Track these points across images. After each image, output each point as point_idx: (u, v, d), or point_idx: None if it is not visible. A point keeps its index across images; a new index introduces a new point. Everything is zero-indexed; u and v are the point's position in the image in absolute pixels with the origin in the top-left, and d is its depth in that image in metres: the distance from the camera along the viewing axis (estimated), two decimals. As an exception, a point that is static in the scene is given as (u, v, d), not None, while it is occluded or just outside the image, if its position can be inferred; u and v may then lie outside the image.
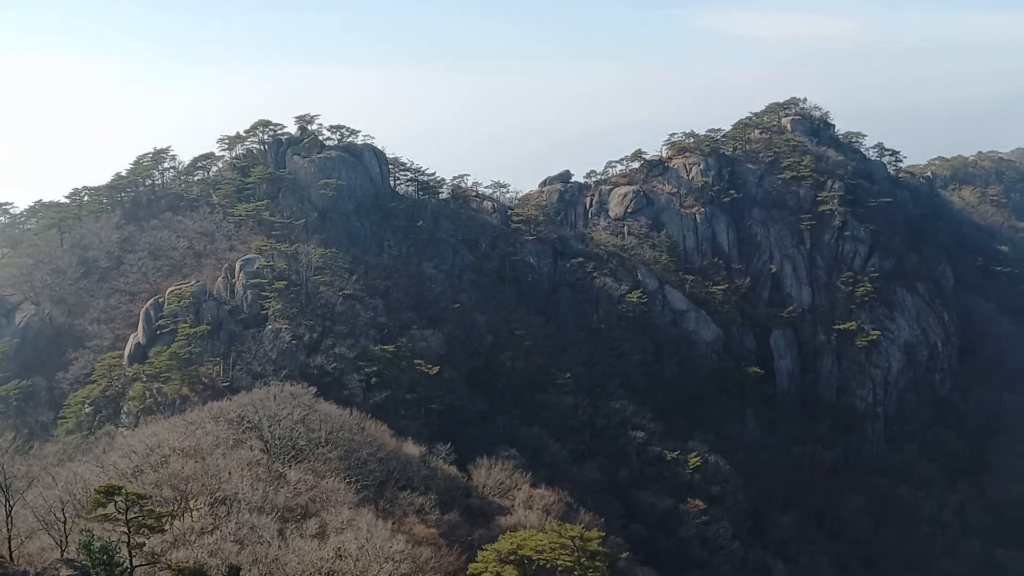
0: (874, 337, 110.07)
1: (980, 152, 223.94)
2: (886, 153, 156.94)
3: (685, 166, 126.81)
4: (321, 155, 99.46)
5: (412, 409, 71.36)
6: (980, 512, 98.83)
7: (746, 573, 73.77)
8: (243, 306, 77.80)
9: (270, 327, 74.28)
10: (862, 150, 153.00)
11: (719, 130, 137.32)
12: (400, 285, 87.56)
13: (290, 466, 44.19)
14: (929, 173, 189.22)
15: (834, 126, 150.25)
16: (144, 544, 29.42)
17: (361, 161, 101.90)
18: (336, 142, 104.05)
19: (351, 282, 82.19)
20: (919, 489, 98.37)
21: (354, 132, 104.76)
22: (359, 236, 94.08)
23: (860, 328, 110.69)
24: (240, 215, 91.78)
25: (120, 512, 28.70)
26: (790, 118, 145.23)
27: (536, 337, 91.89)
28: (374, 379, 71.38)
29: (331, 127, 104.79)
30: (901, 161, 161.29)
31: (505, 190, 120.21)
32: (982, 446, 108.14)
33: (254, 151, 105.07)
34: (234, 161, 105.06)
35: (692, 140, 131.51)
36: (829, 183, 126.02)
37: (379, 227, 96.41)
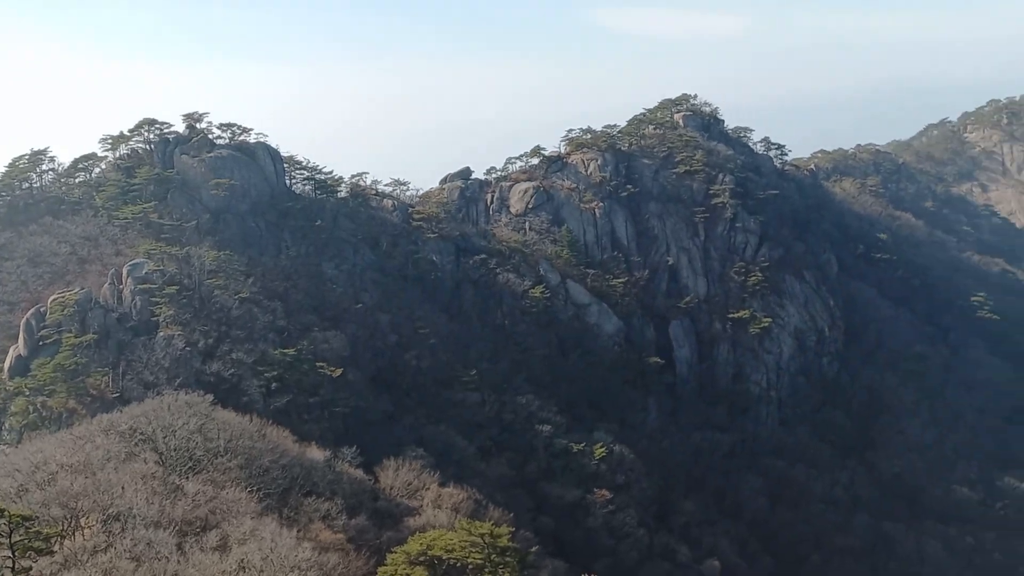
0: (766, 324, 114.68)
1: (859, 145, 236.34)
2: (772, 147, 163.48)
3: (583, 162, 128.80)
4: (212, 154, 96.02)
5: (315, 413, 69.83)
6: (868, 487, 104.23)
7: (652, 558, 75.46)
8: (132, 313, 74.31)
9: (162, 334, 71.25)
10: (750, 144, 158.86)
11: (615, 126, 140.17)
12: (300, 287, 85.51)
13: (187, 478, 42.47)
14: (812, 166, 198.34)
15: (723, 121, 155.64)
16: (31, 567, 27.82)
17: (254, 160, 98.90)
18: (227, 140, 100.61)
19: (247, 285, 79.74)
20: (811, 468, 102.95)
21: (246, 130, 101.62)
22: (255, 237, 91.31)
23: (753, 316, 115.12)
24: (126, 218, 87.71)
25: (3, 535, 27.07)
26: (682, 114, 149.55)
27: (441, 335, 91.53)
28: (274, 384, 69.49)
29: (221, 125, 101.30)
30: (786, 155, 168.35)
31: (405, 188, 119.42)
32: (868, 424, 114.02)
33: (139, 151, 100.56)
34: (118, 162, 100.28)
35: (589, 136, 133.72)
36: (720, 177, 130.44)
37: (276, 227, 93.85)
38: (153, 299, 74.17)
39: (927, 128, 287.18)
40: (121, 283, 76.33)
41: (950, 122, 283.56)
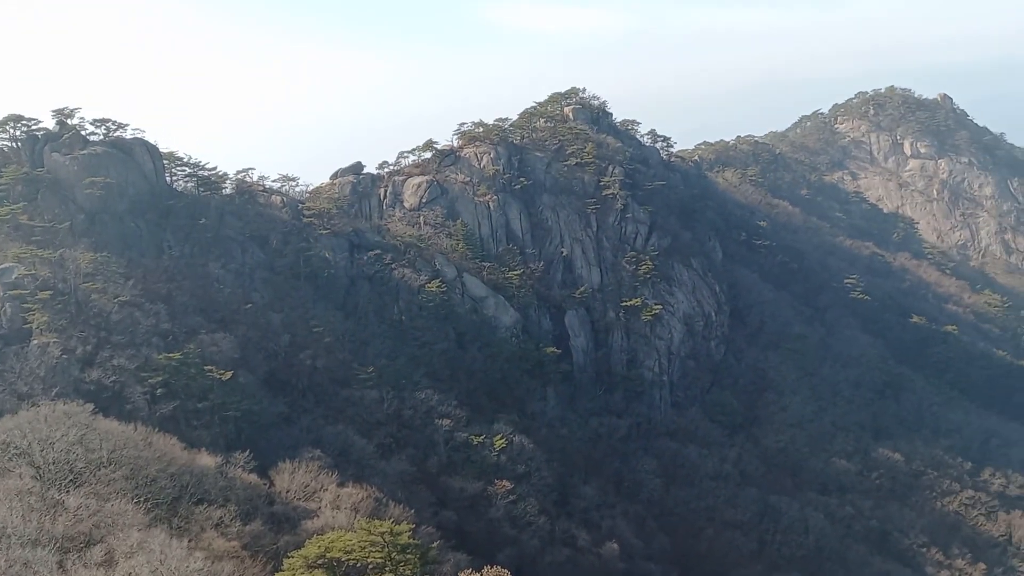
0: (657, 311, 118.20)
1: (739, 137, 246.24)
2: (659, 139, 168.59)
3: (476, 155, 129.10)
4: (85, 151, 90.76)
5: (205, 418, 67.47)
6: (755, 462, 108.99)
7: (553, 545, 76.65)
8: (2, 321, 69.83)
9: (36, 342, 67.23)
10: (638, 137, 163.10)
11: (507, 119, 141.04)
12: (185, 288, 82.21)
13: (68, 491, 40.43)
14: (696, 157, 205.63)
15: (612, 115, 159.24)
16: None
17: (132, 157, 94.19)
18: (102, 137, 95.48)
19: (127, 288, 76.14)
20: (703, 447, 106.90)
21: (122, 126, 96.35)
22: (134, 238, 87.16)
23: (644, 303, 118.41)
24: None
25: None
26: (572, 107, 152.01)
27: (336, 333, 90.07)
28: (160, 390, 66.67)
29: (95, 121, 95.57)
30: (672, 147, 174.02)
31: (294, 184, 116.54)
32: (753, 402, 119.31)
33: (5, 149, 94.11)
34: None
35: (482, 130, 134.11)
36: (610, 168, 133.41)
37: (157, 227, 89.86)
38: (25, 305, 69.89)
39: (801, 120, 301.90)
40: (-13, 290, 71.52)
41: (822, 114, 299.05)
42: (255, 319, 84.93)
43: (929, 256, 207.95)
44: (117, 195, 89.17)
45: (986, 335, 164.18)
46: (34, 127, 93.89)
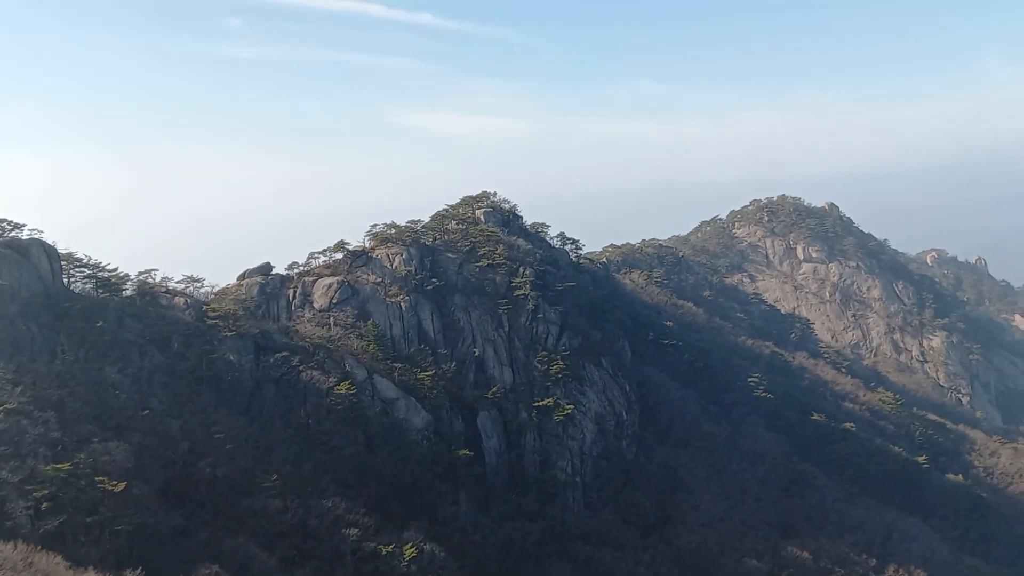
0: (569, 411, 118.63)
1: (644, 240, 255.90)
2: (568, 241, 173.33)
3: (388, 256, 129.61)
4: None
5: (94, 533, 63.01)
6: (668, 564, 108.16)
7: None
8: None
9: (-94, 455, 62.27)
10: (547, 239, 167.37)
11: (419, 221, 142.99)
12: (78, 394, 78.02)
13: (-68, 623, 36.92)
14: (604, 259, 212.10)
15: (522, 217, 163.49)
16: None
17: (27, 258, 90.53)
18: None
19: (15, 395, 71.74)
20: (616, 550, 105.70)
21: (18, 226, 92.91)
22: (25, 342, 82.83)
23: (556, 403, 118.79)
24: None
25: None
26: (483, 210, 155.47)
27: (239, 439, 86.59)
28: (45, 504, 62.16)
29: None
30: (581, 248, 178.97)
31: (200, 284, 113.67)
32: (665, 501, 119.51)
33: None
34: None
35: (394, 231, 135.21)
36: (521, 269, 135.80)
37: (51, 331, 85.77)
38: None
39: (701, 224, 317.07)
40: None
41: (720, 219, 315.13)
42: (152, 426, 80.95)
43: (825, 355, 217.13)
44: (9, 297, 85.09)
45: (882, 432, 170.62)
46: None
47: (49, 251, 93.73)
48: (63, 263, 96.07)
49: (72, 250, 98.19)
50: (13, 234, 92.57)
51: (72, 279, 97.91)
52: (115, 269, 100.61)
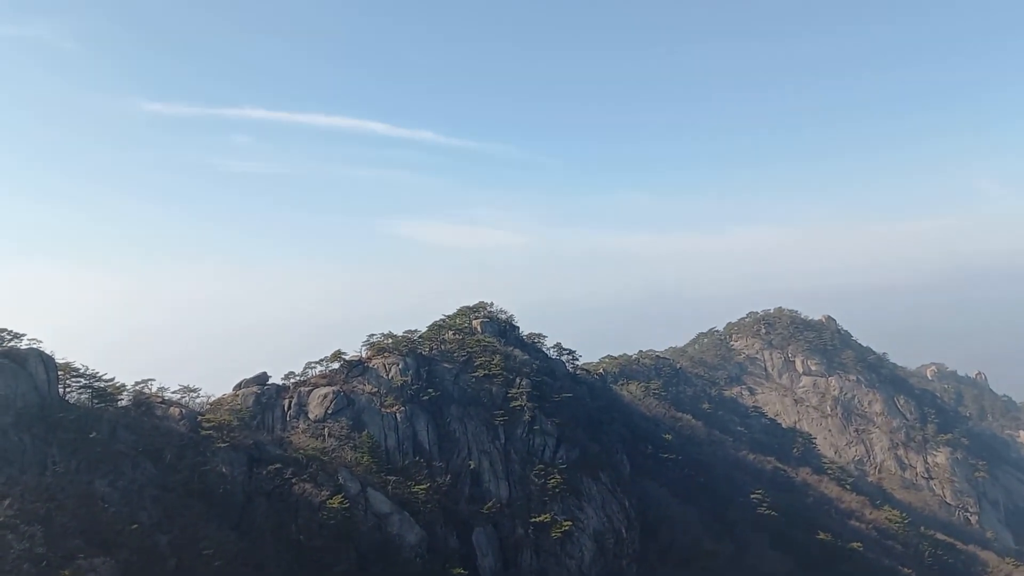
0: (567, 527, 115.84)
1: (641, 351, 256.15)
2: (564, 352, 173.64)
3: (385, 366, 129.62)
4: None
5: (72, 656, 60.75)
6: None
7: None
8: None
9: None
10: (544, 349, 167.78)
11: (416, 331, 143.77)
12: (66, 508, 76.48)
13: None
14: (601, 370, 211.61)
15: (519, 327, 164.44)
16: None
17: (24, 368, 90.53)
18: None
19: (2, 508, 70.41)
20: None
21: (18, 335, 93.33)
22: (17, 453, 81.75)
23: (554, 519, 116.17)
24: None
25: None
26: (480, 320, 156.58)
27: (228, 555, 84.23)
28: (24, 624, 60.22)
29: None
30: (578, 359, 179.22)
31: (196, 395, 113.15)
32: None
33: None
34: None
35: (391, 341, 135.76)
36: (518, 380, 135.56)
37: (43, 442, 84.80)
38: None
39: (698, 336, 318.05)
40: None
41: (718, 331, 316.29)
42: (140, 541, 78.93)
43: (829, 471, 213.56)
44: (3, 408, 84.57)
45: (890, 552, 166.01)
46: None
47: (47, 361, 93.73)
48: (60, 373, 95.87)
49: (70, 360, 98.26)
50: (12, 344, 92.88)
51: (68, 389, 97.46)
52: (112, 379, 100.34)
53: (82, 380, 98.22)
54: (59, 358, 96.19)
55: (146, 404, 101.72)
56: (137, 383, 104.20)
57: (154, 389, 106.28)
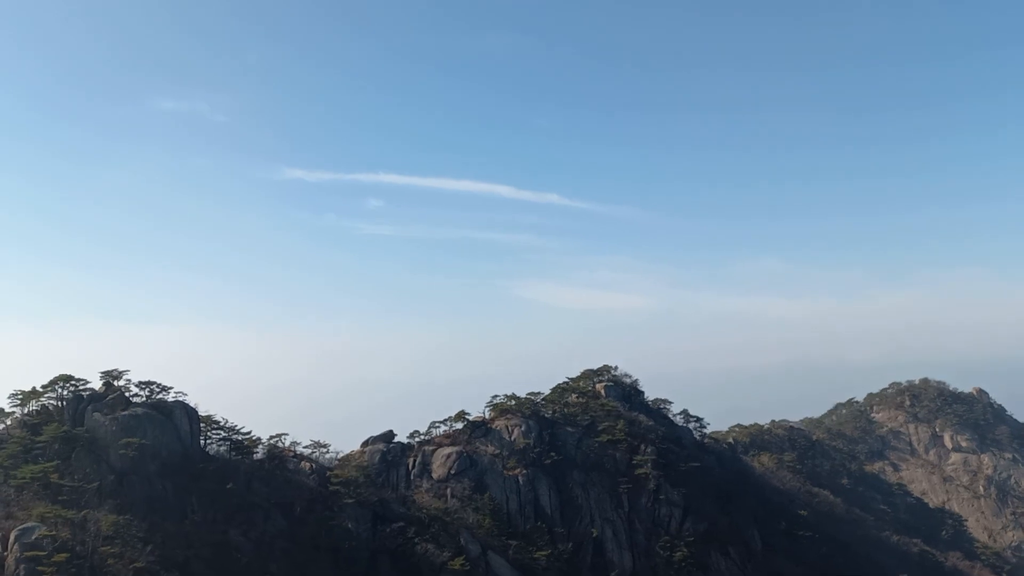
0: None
1: (773, 421, 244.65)
2: (691, 419, 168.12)
3: (507, 428, 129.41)
4: (126, 412, 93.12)
5: None
6: None
7: None
8: (11, 583, 67.52)
9: (41, 608, 64.45)
10: (670, 416, 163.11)
11: (539, 393, 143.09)
12: (202, 555, 79.72)
13: None
14: (731, 439, 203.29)
15: (643, 392, 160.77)
16: None
17: (170, 419, 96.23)
18: (145, 399, 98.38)
19: (145, 553, 74.02)
20: None
21: (165, 388, 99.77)
22: (160, 501, 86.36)
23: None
24: (24, 478, 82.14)
25: None
26: (603, 384, 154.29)
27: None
28: (160, 668, 62.35)
29: (140, 383, 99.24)
30: (705, 427, 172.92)
31: (325, 450, 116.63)
32: None
33: (50, 408, 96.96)
34: (25, 418, 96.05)
35: (514, 403, 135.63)
36: (642, 447, 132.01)
37: (184, 491, 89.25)
38: (39, 568, 67.84)
39: (836, 407, 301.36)
40: (6, 550, 70.06)
41: (857, 402, 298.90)
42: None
43: (983, 556, 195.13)
44: (150, 456, 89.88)
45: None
46: (81, 387, 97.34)
47: (191, 413, 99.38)
48: (202, 424, 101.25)
49: (211, 412, 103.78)
50: (160, 396, 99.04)
51: (208, 441, 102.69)
52: (248, 432, 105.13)
53: (221, 432, 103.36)
54: (201, 411, 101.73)
55: (279, 458, 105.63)
56: (271, 437, 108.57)
57: (287, 443, 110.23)
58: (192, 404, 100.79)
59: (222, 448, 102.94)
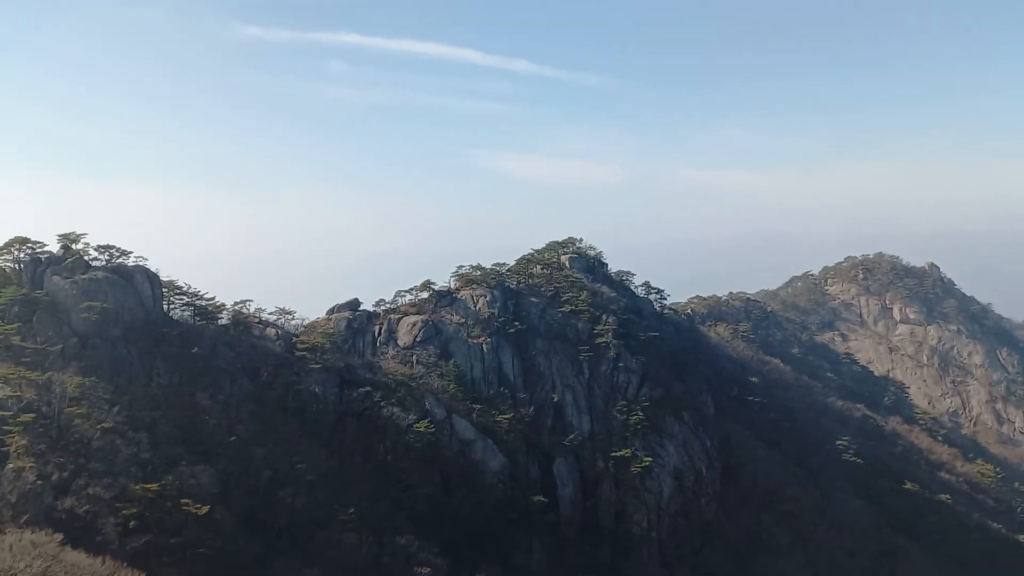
0: (647, 463, 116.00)
1: (731, 292, 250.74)
2: (652, 291, 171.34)
3: (472, 297, 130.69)
4: (86, 276, 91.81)
5: (177, 555, 64.60)
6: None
7: None
8: (-22, 442, 68.08)
9: (11, 466, 65.25)
10: (632, 287, 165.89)
11: (504, 264, 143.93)
12: (169, 417, 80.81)
13: (23, 630, 38.21)
14: (689, 310, 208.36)
15: (607, 264, 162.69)
16: None
17: (132, 283, 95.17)
18: (104, 263, 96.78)
19: (112, 414, 74.82)
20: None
21: (125, 253, 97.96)
22: (125, 364, 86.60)
23: (634, 455, 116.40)
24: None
25: None
26: (568, 255, 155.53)
27: (319, 471, 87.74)
28: (133, 522, 64.20)
29: (99, 247, 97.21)
30: (665, 299, 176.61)
31: (291, 317, 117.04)
32: (745, 566, 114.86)
33: (7, 270, 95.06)
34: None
35: (479, 273, 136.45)
36: (604, 317, 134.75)
37: (149, 354, 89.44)
38: (6, 427, 68.35)
39: (792, 280, 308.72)
40: (-31, 409, 70.26)
41: (812, 275, 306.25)
42: (238, 452, 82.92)
43: (921, 422, 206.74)
44: (112, 320, 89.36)
45: (981, 506, 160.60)
46: (38, 250, 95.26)
47: (152, 278, 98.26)
48: (164, 290, 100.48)
49: (173, 278, 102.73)
50: (120, 260, 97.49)
51: (172, 306, 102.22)
52: (212, 298, 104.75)
53: (184, 298, 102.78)
54: (163, 276, 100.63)
55: (244, 323, 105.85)
56: (236, 303, 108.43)
57: (251, 310, 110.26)
58: (153, 269, 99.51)
59: (185, 314, 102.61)
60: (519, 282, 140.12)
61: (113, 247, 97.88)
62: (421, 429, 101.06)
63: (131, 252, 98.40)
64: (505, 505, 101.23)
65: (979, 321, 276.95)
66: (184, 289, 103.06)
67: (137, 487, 67.13)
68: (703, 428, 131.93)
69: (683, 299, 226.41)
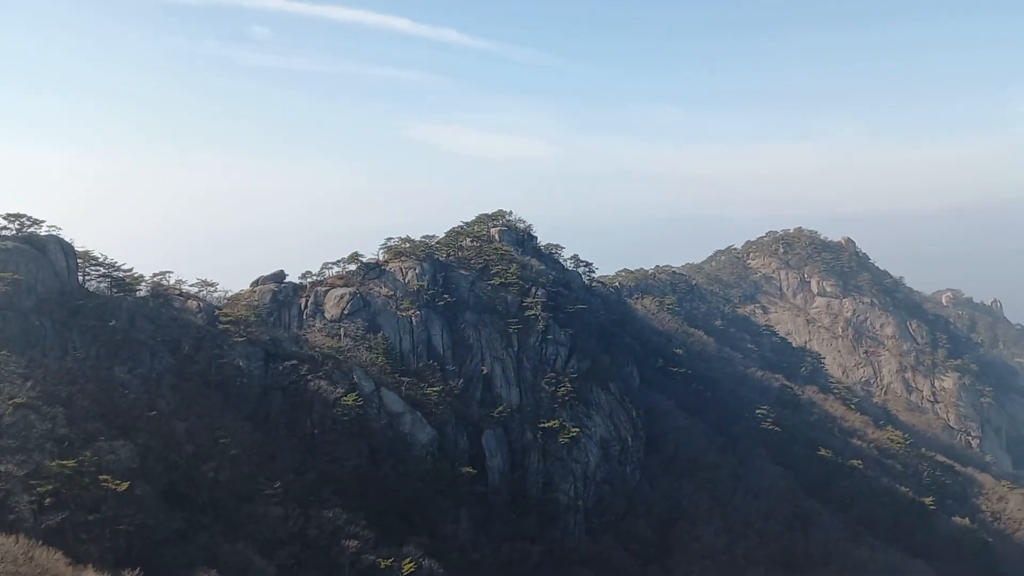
0: (574, 434, 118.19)
1: (657, 266, 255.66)
2: (581, 264, 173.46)
3: (401, 270, 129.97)
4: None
5: (95, 531, 63.21)
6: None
7: None
8: None
9: (-86, 444, 62.70)
10: (561, 260, 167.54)
11: (433, 237, 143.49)
12: (87, 391, 78.44)
13: (-70, 612, 37.04)
14: (617, 283, 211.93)
15: (536, 238, 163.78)
16: None
17: (44, 254, 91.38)
18: (15, 232, 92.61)
19: (25, 389, 72.21)
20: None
21: (37, 222, 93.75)
22: (38, 337, 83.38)
23: (562, 425, 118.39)
24: None
25: None
26: (498, 228, 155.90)
27: (243, 445, 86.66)
28: (49, 499, 62.43)
29: (8, 215, 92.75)
30: (594, 272, 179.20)
31: (213, 289, 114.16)
32: (667, 531, 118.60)
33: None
34: None
35: (408, 245, 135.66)
36: (533, 290, 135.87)
37: (64, 327, 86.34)
38: (-94, 404, 65.47)
39: (716, 253, 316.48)
40: None
41: (735, 249, 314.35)
42: (159, 427, 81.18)
43: (835, 391, 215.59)
44: (25, 291, 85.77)
45: (889, 471, 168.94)
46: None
47: (66, 248, 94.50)
48: (79, 261, 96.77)
49: (88, 248, 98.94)
50: (32, 230, 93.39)
51: (87, 277, 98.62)
52: (130, 269, 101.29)
53: (101, 269, 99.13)
54: (78, 246, 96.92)
55: (164, 296, 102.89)
56: (155, 275, 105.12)
57: (172, 281, 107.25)
58: (67, 239, 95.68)
59: (102, 285, 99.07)
60: (448, 255, 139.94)
61: (24, 215, 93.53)
62: (349, 402, 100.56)
63: (43, 221, 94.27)
64: (433, 477, 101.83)
65: (891, 294, 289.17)
66: (100, 260, 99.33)
67: (53, 463, 65.15)
68: (629, 399, 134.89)
69: (611, 272, 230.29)
